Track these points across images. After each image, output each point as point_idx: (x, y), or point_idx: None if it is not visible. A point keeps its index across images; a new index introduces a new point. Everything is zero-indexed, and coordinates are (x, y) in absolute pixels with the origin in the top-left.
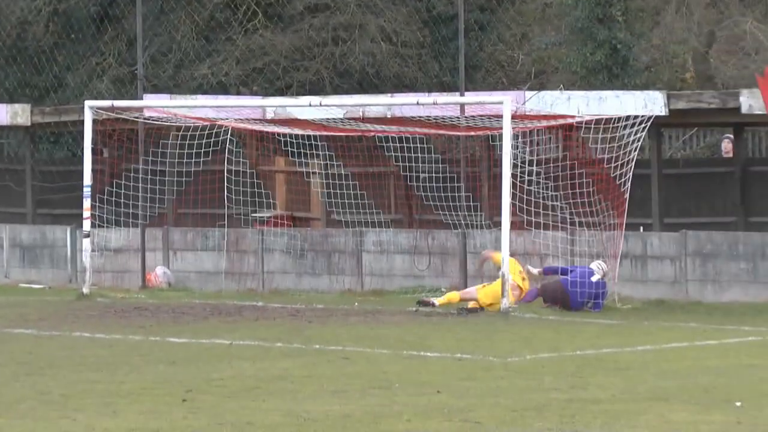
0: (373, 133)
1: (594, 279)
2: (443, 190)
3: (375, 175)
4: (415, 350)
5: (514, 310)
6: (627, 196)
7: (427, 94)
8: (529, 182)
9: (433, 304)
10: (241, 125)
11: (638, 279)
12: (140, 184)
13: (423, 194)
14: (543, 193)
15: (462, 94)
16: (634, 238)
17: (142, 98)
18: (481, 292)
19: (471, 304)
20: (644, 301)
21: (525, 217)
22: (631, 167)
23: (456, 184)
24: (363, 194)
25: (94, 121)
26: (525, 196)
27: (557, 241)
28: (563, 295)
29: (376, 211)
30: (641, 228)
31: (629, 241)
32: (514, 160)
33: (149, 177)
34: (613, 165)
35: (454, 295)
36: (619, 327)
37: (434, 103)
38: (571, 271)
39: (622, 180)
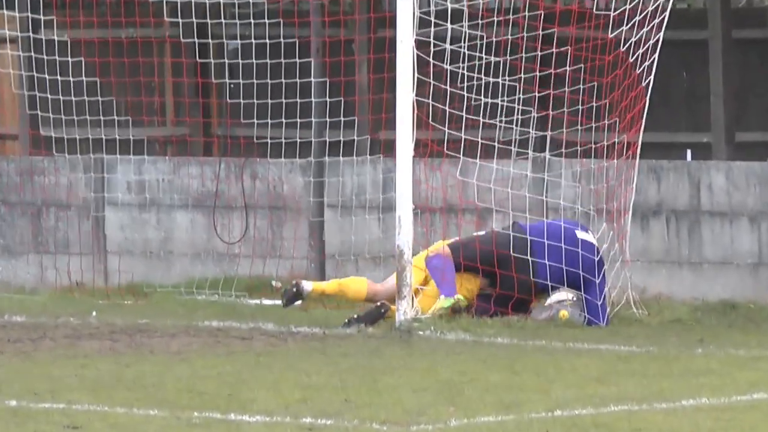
0: None
1: (583, 236)
2: (274, 80)
3: (132, 48)
4: (215, 411)
5: (425, 325)
6: (649, 86)
7: None
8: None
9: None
10: None
11: (679, 259)
12: None
13: (231, 86)
14: (476, 85)
15: None
16: (669, 174)
17: None
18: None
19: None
20: (692, 305)
21: (446, 133)
22: (657, 35)
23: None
24: (103, 86)
25: None
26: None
27: (513, 182)
28: (522, 277)
29: (134, 122)
30: (687, 152)
31: (659, 179)
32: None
33: None
34: (623, 31)
35: (354, 284)
36: (643, 361)
37: None
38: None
39: (643, 57)
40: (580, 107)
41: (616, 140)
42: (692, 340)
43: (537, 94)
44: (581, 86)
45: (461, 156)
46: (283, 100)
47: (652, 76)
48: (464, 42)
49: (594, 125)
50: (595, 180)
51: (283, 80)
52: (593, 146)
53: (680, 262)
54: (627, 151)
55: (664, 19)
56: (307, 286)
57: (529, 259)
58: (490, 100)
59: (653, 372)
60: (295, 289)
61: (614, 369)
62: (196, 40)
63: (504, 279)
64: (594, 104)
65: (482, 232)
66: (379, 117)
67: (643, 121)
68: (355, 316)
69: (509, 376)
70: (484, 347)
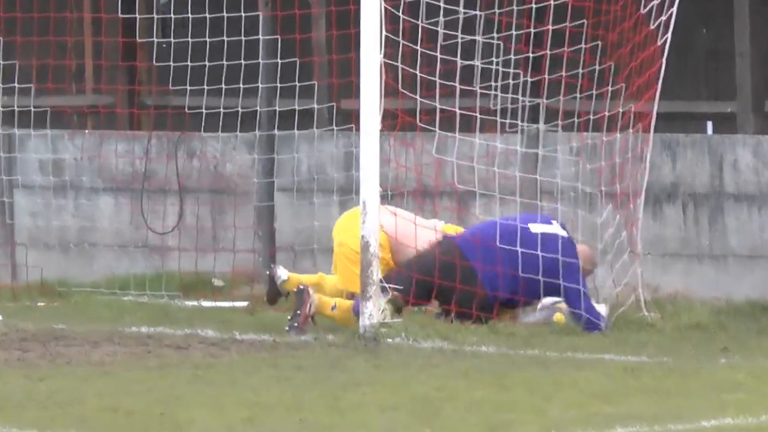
0: None
1: (542, 229)
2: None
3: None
4: None
5: (395, 331)
6: (666, 46)
7: None
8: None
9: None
10: None
11: (698, 251)
12: None
13: (163, 45)
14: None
15: None
16: (686, 151)
17: None
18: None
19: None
20: (715, 307)
21: (419, 102)
22: None
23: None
24: (8, 46)
25: None
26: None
27: (500, 159)
28: (467, 278)
29: (45, 90)
30: (708, 124)
31: (674, 155)
32: None
33: None
34: None
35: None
36: (656, 375)
37: None
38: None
39: (658, 9)
40: (580, 70)
41: (621, 110)
42: (714, 349)
43: (531, 54)
44: (582, 45)
45: (437, 129)
46: (224, 62)
47: (669, 33)
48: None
49: (597, 92)
50: (598, 156)
51: (225, 38)
52: (596, 117)
53: (700, 255)
54: (638, 123)
55: None
56: (282, 273)
57: (472, 266)
58: (476, 63)
59: (668, 387)
60: (269, 279)
61: (621, 384)
62: None
63: (445, 291)
64: (597, 67)
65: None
66: (342, 82)
67: (659, 86)
68: (289, 317)
69: (496, 392)
70: (467, 358)
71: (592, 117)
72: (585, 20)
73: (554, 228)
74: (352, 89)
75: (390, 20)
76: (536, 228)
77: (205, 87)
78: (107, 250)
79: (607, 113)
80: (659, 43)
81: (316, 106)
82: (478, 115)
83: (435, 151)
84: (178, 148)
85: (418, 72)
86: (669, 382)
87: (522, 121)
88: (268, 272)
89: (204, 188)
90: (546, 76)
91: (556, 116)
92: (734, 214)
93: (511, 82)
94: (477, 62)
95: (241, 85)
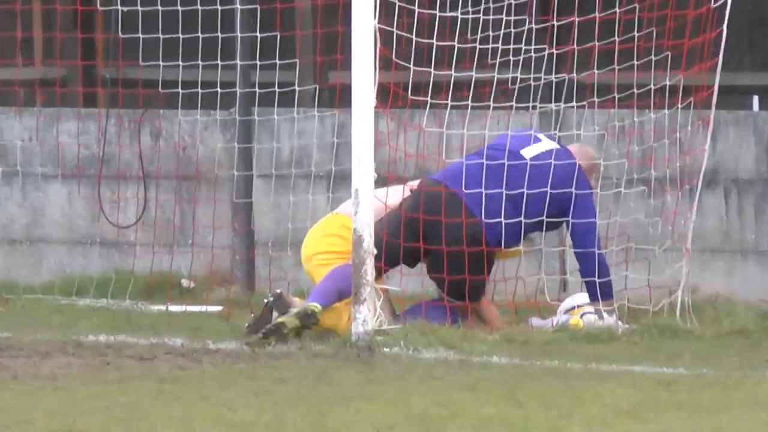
0: None
1: (534, 150)
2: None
3: None
4: None
5: (393, 339)
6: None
7: None
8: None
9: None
10: None
11: (742, 246)
12: None
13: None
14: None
15: None
16: (728, 129)
17: None
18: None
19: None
20: (761, 311)
21: (415, 75)
22: None
23: None
24: None
25: None
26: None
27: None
28: (466, 223)
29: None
30: (753, 99)
31: (715, 136)
32: None
33: None
34: None
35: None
36: (693, 388)
37: None
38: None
39: None
40: (616, 38)
41: (668, 82)
42: (760, 359)
43: (555, 23)
44: (617, 8)
45: (448, 104)
46: (200, 35)
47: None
48: None
49: (636, 63)
50: (633, 138)
51: (199, 7)
52: (641, 91)
53: (744, 251)
54: (696, 95)
55: None
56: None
57: (462, 196)
58: (488, 34)
59: (706, 402)
60: (274, 308)
61: (653, 399)
62: None
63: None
64: (636, 33)
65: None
66: (330, 58)
67: (720, 57)
68: (247, 324)
69: (509, 408)
70: (475, 369)
71: (636, 90)
72: None
73: (545, 144)
74: (342, 64)
75: None
76: (528, 151)
77: (180, 64)
78: (59, 246)
79: (652, 87)
80: (714, 4)
81: (297, 86)
82: (493, 90)
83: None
84: (141, 129)
85: (417, 39)
86: (708, 396)
87: (534, 100)
88: (268, 300)
89: (171, 175)
90: (575, 47)
91: (580, 90)
92: None
93: (533, 54)
94: (491, 32)
95: (219, 62)
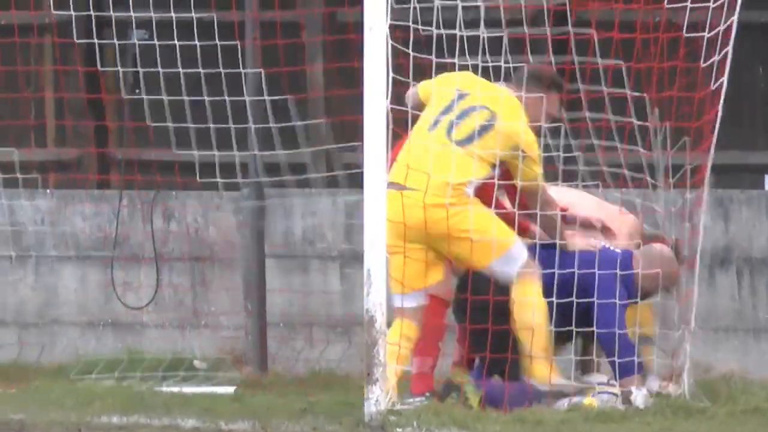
0: None
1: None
2: None
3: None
4: None
5: (405, 419)
6: (722, 88)
7: None
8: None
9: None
10: None
11: (755, 325)
12: None
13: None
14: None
15: None
16: (741, 209)
17: None
18: None
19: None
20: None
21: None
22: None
23: None
24: None
25: None
26: None
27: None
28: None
29: None
30: (766, 178)
31: (727, 215)
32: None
33: None
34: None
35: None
36: None
37: None
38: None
39: (710, 46)
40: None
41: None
42: None
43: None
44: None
45: None
46: (211, 125)
47: (725, 76)
48: (459, 27)
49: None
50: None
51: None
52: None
53: (757, 330)
54: (692, 178)
55: None
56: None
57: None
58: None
59: None
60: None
61: None
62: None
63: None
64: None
65: None
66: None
67: (714, 137)
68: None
69: None
70: None
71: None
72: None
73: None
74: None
75: (399, 55)
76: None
77: (195, 148)
78: (72, 327)
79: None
80: (713, 86)
81: (310, 169)
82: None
83: None
84: (153, 210)
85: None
86: None
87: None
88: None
89: (184, 256)
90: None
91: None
92: None
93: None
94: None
95: (234, 141)
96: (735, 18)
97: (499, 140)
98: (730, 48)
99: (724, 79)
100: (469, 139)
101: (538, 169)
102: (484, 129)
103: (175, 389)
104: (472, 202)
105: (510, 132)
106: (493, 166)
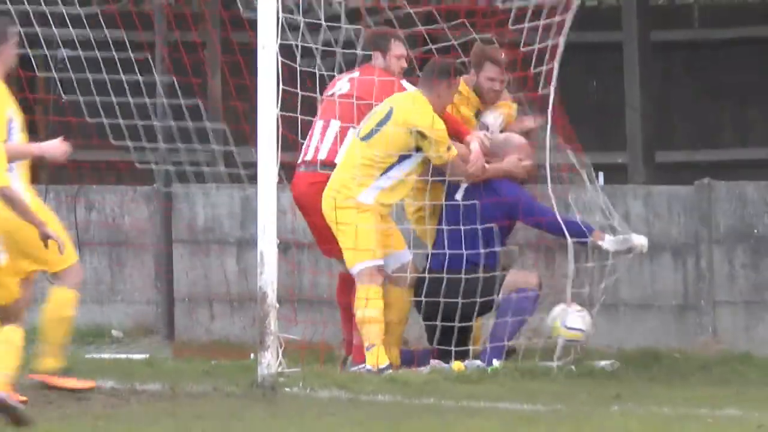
0: None
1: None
2: None
3: None
4: None
5: (292, 380)
6: (551, 97)
7: None
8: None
9: None
10: None
11: (590, 301)
12: None
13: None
14: None
15: None
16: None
17: None
18: None
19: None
20: (607, 355)
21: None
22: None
23: None
24: None
25: None
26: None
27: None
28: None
29: None
30: (599, 175)
31: (566, 206)
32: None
33: None
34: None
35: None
36: (550, 422)
37: None
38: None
39: (538, 58)
40: None
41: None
42: (607, 396)
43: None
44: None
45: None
46: (121, 121)
47: (552, 87)
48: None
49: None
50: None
51: (129, 99)
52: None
53: (591, 305)
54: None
55: (566, 18)
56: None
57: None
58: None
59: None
60: None
61: (516, 431)
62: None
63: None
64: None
65: None
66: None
67: (548, 137)
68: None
69: None
70: (363, 407)
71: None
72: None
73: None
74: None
75: (287, 72)
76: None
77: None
78: None
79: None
80: (540, 91)
81: (209, 166)
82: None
83: None
84: (77, 202)
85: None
86: (562, 429)
87: None
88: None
89: (103, 241)
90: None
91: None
92: (624, 264)
93: None
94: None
95: (145, 144)
96: (561, 39)
97: (396, 129)
98: (555, 63)
99: (551, 88)
100: (370, 135)
101: (443, 148)
102: (382, 122)
103: (96, 356)
104: (360, 207)
105: (405, 118)
106: (403, 152)
